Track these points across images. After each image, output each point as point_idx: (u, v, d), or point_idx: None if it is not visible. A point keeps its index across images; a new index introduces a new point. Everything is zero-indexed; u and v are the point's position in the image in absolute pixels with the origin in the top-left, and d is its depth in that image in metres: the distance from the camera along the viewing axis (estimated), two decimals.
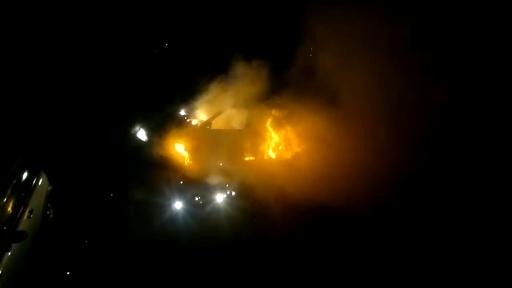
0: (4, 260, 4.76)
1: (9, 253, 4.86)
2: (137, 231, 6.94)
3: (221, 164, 9.72)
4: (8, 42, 15.22)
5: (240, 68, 12.87)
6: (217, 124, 10.27)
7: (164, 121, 10.15)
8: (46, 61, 15.60)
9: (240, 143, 9.92)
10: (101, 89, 13.70)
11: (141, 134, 9.60)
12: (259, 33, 18.95)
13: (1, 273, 4.62)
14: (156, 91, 14.09)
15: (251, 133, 10.06)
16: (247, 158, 10.06)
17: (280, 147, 10.42)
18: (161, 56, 19.97)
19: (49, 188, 6.69)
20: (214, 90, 11.17)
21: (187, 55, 18.87)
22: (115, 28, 19.64)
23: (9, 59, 14.44)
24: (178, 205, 7.83)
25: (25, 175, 6.03)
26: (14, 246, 4.93)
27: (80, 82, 13.81)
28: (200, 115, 10.74)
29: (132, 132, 9.79)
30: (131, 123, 10.02)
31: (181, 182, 8.89)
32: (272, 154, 10.33)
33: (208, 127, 9.81)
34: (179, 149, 9.54)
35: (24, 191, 5.88)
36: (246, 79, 11.63)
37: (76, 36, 18.08)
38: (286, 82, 10.74)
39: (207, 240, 6.92)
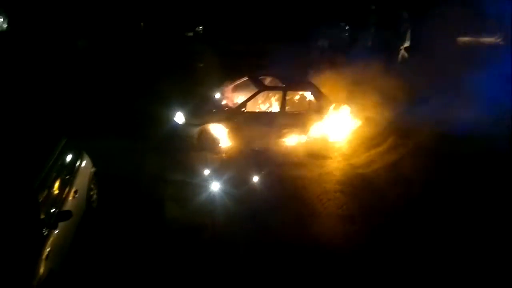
0: (52, 238, 4.98)
1: (56, 232, 5.08)
2: (174, 212, 7.08)
3: (256, 149, 9.74)
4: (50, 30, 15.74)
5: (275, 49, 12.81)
6: (252, 106, 10.26)
7: (201, 103, 10.25)
8: (89, 45, 16.05)
9: (276, 125, 9.88)
10: (140, 73, 13.98)
11: (179, 117, 9.72)
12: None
13: (49, 250, 4.85)
14: (192, 73, 14.25)
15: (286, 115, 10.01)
16: (283, 140, 10.04)
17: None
18: (196, 39, 20.12)
19: (92, 169, 6.92)
20: (249, 72, 11.15)
21: (220, 37, 18.93)
22: (153, 13, 19.92)
23: (52, 46, 14.92)
24: (215, 186, 7.92)
25: (69, 157, 6.26)
26: (60, 225, 5.15)
27: (119, 65, 14.13)
28: (235, 97, 10.75)
29: (170, 114, 9.92)
30: (169, 106, 10.16)
31: (218, 164, 8.98)
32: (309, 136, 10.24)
33: (243, 109, 9.82)
34: (215, 131, 9.60)
35: (69, 173, 6.11)
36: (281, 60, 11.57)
37: (117, 21, 18.46)
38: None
39: (244, 221, 6.98)
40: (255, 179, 8.37)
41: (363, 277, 6.03)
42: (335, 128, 10.36)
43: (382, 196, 7.97)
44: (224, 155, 9.48)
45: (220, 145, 9.68)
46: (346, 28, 19.87)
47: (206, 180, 8.18)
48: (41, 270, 4.61)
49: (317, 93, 10.33)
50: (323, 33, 18.50)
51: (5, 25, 17.02)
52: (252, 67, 12.77)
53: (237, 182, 8.18)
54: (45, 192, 5.26)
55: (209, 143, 9.55)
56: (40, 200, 5.05)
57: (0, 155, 5.63)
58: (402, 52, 16.06)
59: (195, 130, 9.51)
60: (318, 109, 10.17)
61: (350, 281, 5.96)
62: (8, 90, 11.01)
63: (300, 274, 5.99)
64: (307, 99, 10.55)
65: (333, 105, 10.25)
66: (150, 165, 8.56)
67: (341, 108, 10.38)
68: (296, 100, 10.77)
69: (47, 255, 4.79)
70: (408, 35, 15.89)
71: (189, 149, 9.39)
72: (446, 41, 15.11)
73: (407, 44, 16.01)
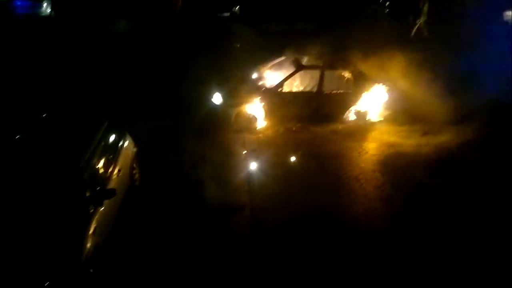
0: (97, 215, 5.22)
1: (102, 208, 5.31)
2: (212, 191, 7.20)
3: (294, 129, 9.71)
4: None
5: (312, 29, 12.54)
6: (290, 86, 10.19)
7: (238, 84, 10.27)
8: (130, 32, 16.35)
9: (314, 104, 9.79)
10: (178, 54, 14.13)
11: (216, 98, 9.80)
12: None
13: (95, 226, 5.09)
14: (229, 54, 14.24)
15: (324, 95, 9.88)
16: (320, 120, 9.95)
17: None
18: (232, 20, 20.01)
19: (134, 149, 7.14)
20: (286, 52, 11.02)
21: (258, 18, 18.73)
22: None
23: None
24: (252, 166, 7.99)
25: (112, 138, 6.48)
26: (105, 202, 5.38)
27: (158, 48, 14.31)
28: (273, 77, 10.69)
29: (208, 96, 10.02)
30: (207, 87, 10.25)
31: (255, 144, 9.03)
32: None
33: (280, 90, 9.78)
34: (253, 111, 9.63)
35: (113, 153, 6.34)
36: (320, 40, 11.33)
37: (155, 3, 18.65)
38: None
39: (282, 202, 7.02)
40: (293, 159, 8.38)
41: (400, 258, 5.97)
42: (374, 108, 10.15)
43: (421, 178, 7.77)
44: (261, 135, 9.51)
45: (257, 125, 9.71)
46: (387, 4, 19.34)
47: (244, 160, 8.27)
48: (88, 245, 4.85)
49: (356, 72, 10.10)
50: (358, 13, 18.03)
51: (48, 10, 17.47)
52: (290, 47, 12.61)
53: (275, 162, 8.22)
54: (91, 171, 5.50)
55: (246, 123, 9.61)
56: (86, 179, 5.29)
57: (49, 136, 5.93)
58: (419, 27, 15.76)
59: (233, 111, 9.58)
60: (356, 88, 9.97)
61: (387, 262, 5.92)
62: (55, 75, 11.43)
63: (337, 254, 6.01)
64: (346, 78, 10.35)
65: (372, 84, 10.01)
66: (189, 145, 8.72)
67: (380, 87, 10.12)
68: (335, 79, 10.59)
69: (94, 231, 5.03)
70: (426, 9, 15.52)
71: (227, 129, 9.48)
72: (489, 15, 14.17)
73: (423, 19, 15.56)
